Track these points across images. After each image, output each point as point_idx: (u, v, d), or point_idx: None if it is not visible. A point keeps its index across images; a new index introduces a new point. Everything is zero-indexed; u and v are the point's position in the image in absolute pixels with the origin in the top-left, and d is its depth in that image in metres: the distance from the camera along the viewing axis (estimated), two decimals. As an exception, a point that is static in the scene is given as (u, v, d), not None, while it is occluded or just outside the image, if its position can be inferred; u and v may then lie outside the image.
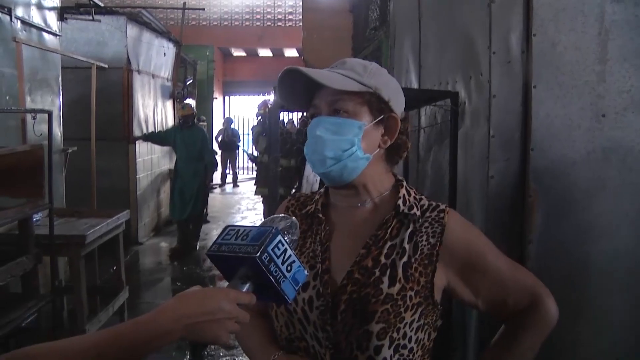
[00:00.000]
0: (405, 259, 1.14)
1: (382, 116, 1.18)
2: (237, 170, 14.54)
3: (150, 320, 0.89)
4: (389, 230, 1.18)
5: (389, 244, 1.17)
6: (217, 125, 14.47)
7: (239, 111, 18.22)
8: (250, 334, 1.27)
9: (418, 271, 1.14)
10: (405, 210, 1.19)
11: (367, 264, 1.15)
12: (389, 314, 1.10)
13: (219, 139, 13.66)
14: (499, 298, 1.22)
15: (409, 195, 1.23)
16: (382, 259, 1.15)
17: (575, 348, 1.91)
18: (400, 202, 1.20)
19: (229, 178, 14.26)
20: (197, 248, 7.19)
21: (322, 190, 1.32)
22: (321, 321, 1.14)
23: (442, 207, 1.21)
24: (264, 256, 0.92)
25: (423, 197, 1.25)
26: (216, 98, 15.04)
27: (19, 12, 4.22)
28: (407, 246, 1.16)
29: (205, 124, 10.83)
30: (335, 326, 1.13)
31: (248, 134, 16.42)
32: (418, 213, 1.19)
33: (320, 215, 1.25)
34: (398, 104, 1.22)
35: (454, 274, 1.18)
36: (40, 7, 4.62)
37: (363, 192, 1.22)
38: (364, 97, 1.16)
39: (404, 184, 1.25)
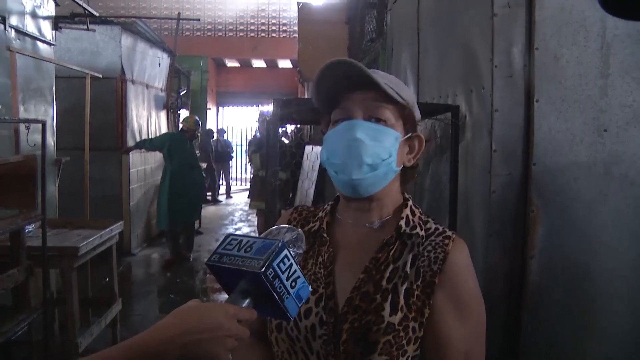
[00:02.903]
0: (407, 284, 1.07)
1: (410, 134, 1.14)
2: (230, 181, 14.47)
3: (144, 341, 0.82)
4: (390, 253, 1.11)
5: (391, 267, 1.09)
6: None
7: (233, 122, 18.22)
8: (247, 356, 1.21)
9: (421, 300, 1.06)
10: (407, 231, 1.12)
11: (368, 289, 1.08)
12: (392, 346, 1.03)
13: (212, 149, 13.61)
14: None
15: (413, 215, 1.16)
16: (384, 284, 1.08)
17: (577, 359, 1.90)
18: (402, 222, 1.13)
19: (222, 189, 14.19)
20: (191, 259, 7.14)
21: (327, 207, 1.25)
22: (325, 351, 1.07)
23: (449, 233, 1.13)
24: (269, 272, 0.86)
25: (430, 219, 1.18)
26: (210, 109, 15.02)
27: (13, 20, 4.19)
28: (409, 270, 1.08)
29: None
30: (338, 357, 1.06)
31: (241, 145, 16.43)
32: (422, 233, 1.12)
33: (325, 235, 1.18)
34: (419, 127, 1.19)
35: (434, 305, 1.07)
36: (34, 16, 4.60)
37: (375, 209, 1.15)
38: (402, 111, 1.12)
39: (409, 203, 1.18)
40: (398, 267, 1.09)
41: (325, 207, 1.26)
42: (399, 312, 1.05)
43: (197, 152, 12.50)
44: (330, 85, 1.12)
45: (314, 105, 1.19)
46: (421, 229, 1.13)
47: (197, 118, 7.37)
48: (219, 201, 13.40)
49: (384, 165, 1.08)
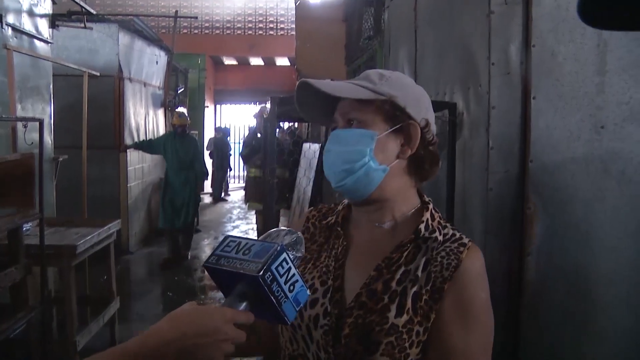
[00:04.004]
0: (416, 288, 1.06)
1: (399, 124, 1.11)
2: (228, 179, 14.44)
3: (139, 346, 0.82)
4: (404, 255, 1.10)
5: (402, 269, 1.09)
6: (209, 134, 14.44)
7: (231, 120, 18.23)
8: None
9: (428, 305, 1.05)
10: (426, 235, 1.10)
11: (376, 287, 1.08)
12: (394, 348, 1.02)
13: (210, 149, 13.57)
14: None
15: (433, 219, 1.14)
16: (393, 285, 1.07)
17: (576, 358, 1.90)
18: (422, 226, 1.11)
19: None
20: (189, 258, 7.14)
21: (345, 202, 1.25)
22: (324, 341, 1.08)
23: (465, 240, 1.11)
24: (267, 275, 0.85)
25: (448, 225, 1.16)
26: (207, 107, 15.01)
27: (10, 19, 4.17)
28: (420, 274, 1.07)
29: (196, 132, 10.78)
30: (338, 349, 1.06)
31: (239, 143, 16.44)
32: (440, 238, 1.11)
33: (339, 229, 1.19)
34: (419, 111, 1.13)
35: (441, 311, 1.05)
36: (31, 14, 4.58)
37: (385, 208, 1.14)
38: (376, 105, 1.10)
39: (430, 206, 1.16)
40: (410, 270, 1.09)
41: (344, 201, 1.27)
42: (404, 314, 1.04)
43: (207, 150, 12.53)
44: (317, 105, 1.16)
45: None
46: (439, 234, 1.12)
47: (183, 112, 7.38)
48: (225, 200, 13.41)
49: (360, 166, 1.08)
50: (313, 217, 1.30)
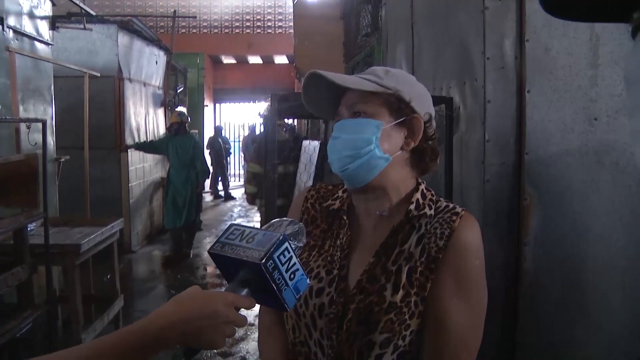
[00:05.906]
0: (411, 263, 1.10)
1: (403, 117, 1.15)
2: (228, 178, 14.28)
3: (145, 327, 0.85)
4: (399, 237, 1.14)
5: (397, 250, 1.13)
6: (208, 132, 14.45)
7: (230, 118, 18.26)
8: (268, 346, 1.25)
9: (424, 275, 1.09)
10: (416, 213, 1.14)
11: (375, 272, 1.12)
12: (393, 323, 1.06)
13: (209, 148, 13.53)
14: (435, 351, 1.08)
15: (424, 198, 1.17)
16: (389, 266, 1.11)
17: (573, 347, 1.93)
18: (412, 207, 1.15)
19: (220, 185, 14.12)
20: (191, 256, 7.18)
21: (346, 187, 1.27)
22: (328, 329, 1.11)
23: (459, 210, 1.15)
24: (269, 263, 0.88)
25: (442, 199, 1.19)
26: (207, 105, 15.03)
27: (11, 21, 4.21)
28: (414, 250, 1.11)
29: (196, 131, 10.79)
30: (340, 335, 1.10)
31: (238, 141, 16.46)
32: (430, 212, 1.14)
33: (344, 218, 1.22)
34: (423, 106, 1.18)
35: (436, 281, 1.09)
36: (32, 16, 4.62)
37: (383, 197, 1.18)
38: (382, 98, 1.14)
39: (421, 187, 1.20)
40: (404, 250, 1.13)
41: (344, 186, 1.28)
42: (400, 290, 1.08)
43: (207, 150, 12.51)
44: (326, 96, 1.20)
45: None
46: (430, 209, 1.15)
47: (177, 110, 7.45)
48: (221, 197, 13.38)
49: (365, 154, 1.12)
50: (312, 197, 1.32)
